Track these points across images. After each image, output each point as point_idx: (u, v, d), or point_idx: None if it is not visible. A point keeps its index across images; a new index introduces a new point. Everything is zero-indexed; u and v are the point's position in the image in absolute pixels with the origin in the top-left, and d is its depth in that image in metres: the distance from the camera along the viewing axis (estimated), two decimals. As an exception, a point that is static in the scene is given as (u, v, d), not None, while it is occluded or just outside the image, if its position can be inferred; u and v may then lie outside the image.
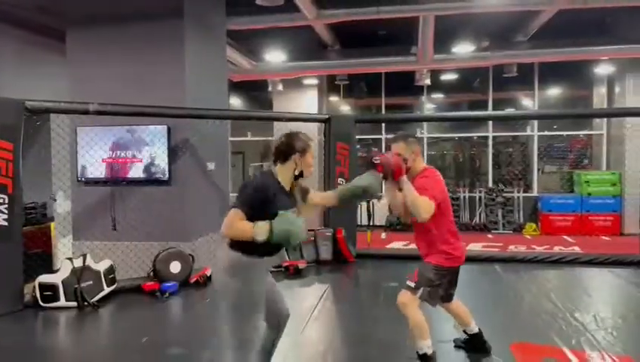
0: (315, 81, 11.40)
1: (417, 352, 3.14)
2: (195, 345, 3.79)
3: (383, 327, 4.17)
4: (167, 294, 5.00)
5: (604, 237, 10.11)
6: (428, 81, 10.78)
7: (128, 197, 5.67)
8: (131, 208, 5.59)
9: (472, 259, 6.78)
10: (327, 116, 6.20)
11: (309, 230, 6.49)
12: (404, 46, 9.61)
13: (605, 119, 11.12)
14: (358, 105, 12.29)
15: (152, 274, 5.28)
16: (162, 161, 5.65)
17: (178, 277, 5.27)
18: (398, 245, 9.23)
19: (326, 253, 6.07)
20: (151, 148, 5.65)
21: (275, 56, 9.48)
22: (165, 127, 5.64)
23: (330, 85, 11.89)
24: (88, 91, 5.53)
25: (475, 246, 9.31)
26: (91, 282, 4.76)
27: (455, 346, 3.63)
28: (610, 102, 10.97)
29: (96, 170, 5.68)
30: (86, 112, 4.90)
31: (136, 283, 5.22)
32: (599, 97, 11.38)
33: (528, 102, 11.73)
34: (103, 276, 4.87)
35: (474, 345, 3.52)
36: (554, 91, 11.67)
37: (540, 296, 5.15)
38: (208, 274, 5.51)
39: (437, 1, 7.53)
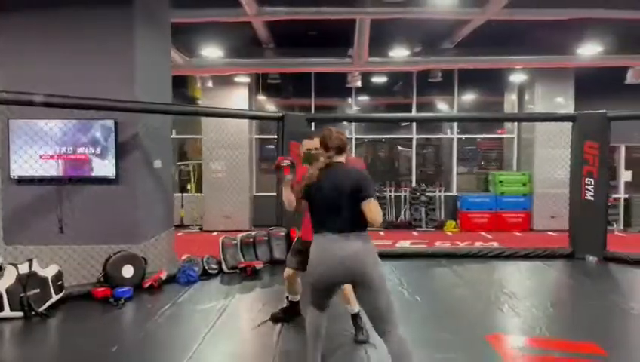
0: (246, 79, 11.24)
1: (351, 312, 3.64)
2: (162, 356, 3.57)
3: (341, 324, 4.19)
4: (122, 300, 4.68)
5: (516, 233, 10.94)
6: (359, 83, 11.04)
7: (72, 197, 5.22)
8: (76, 209, 5.16)
9: (421, 255, 7.14)
10: (280, 114, 6.13)
11: (262, 230, 6.42)
12: (338, 48, 9.79)
13: (516, 123, 12.06)
14: (288, 104, 12.28)
15: (102, 279, 4.92)
16: (109, 158, 5.28)
17: (131, 282, 4.95)
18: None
19: (280, 252, 6.00)
20: (97, 145, 5.26)
21: (209, 52, 9.23)
22: (113, 121, 5.27)
23: (260, 84, 11.77)
24: (23, 81, 5.02)
25: (404, 243, 9.73)
26: (38, 290, 4.33)
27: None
28: (521, 108, 11.90)
29: (32, 167, 5.17)
30: (30, 103, 4.44)
31: (86, 290, 4.83)
32: (510, 103, 12.32)
33: (449, 107, 12.40)
34: (50, 283, 4.45)
35: (354, 323, 3.75)
36: (471, 96, 12.43)
37: (492, 287, 5.42)
38: (163, 278, 5.23)
39: (375, 5, 7.74)
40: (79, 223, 5.21)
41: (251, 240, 6.00)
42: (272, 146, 12.45)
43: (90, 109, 4.93)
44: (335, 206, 2.72)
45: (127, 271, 4.96)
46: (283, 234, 6.14)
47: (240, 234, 6.07)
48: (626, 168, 11.81)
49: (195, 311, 4.42)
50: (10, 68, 5.20)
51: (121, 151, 5.34)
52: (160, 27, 6.03)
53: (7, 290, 4.17)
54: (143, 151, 5.52)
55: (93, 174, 5.27)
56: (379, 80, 11.82)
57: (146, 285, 5.07)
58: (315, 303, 2.92)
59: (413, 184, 12.08)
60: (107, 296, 4.72)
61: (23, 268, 4.29)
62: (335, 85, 11.84)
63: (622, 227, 11.42)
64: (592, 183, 6.00)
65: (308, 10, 7.91)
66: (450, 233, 11.14)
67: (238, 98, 11.14)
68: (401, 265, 6.33)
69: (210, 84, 10.89)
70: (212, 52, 9.19)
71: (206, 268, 5.58)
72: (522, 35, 9.33)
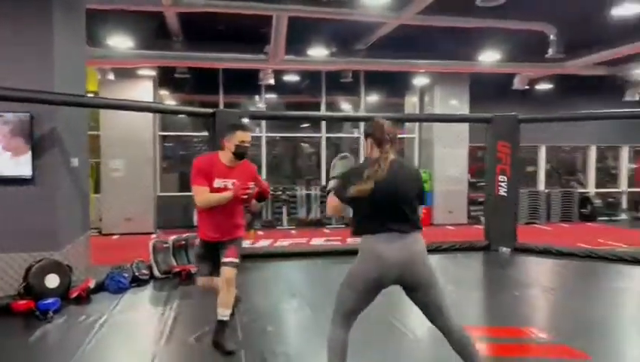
0: (151, 73, 10.65)
1: (221, 319, 3.46)
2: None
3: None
4: (49, 313, 4.21)
5: (419, 227, 11.56)
6: (272, 81, 10.97)
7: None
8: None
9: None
10: (212, 111, 5.89)
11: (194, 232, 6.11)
12: (253, 44, 9.66)
13: (417, 125, 12.75)
14: (193, 101, 11.86)
15: (22, 291, 4.38)
16: (25, 156, 4.72)
17: (56, 293, 4.47)
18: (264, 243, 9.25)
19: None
20: (9, 141, 4.67)
21: (116, 42, 8.61)
22: (28, 115, 4.72)
23: (166, 78, 11.21)
24: None
25: (319, 241, 9.87)
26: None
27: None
28: (421, 110, 12.61)
29: None
30: None
31: (4, 303, 4.27)
32: (411, 105, 12.99)
33: (355, 107, 12.76)
34: (-36, 299, 3.88)
35: (221, 331, 3.51)
36: (376, 97, 12.90)
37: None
38: (92, 286, 4.79)
39: (293, 3, 7.76)
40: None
41: (183, 243, 5.71)
42: (170, 144, 11.96)
43: (4, 100, 4.36)
44: (405, 204, 2.61)
45: (52, 280, 4.48)
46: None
47: (172, 237, 5.75)
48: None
49: (135, 321, 4.11)
50: None
51: (38, 149, 4.80)
52: (77, 13, 5.51)
53: None
54: (61, 148, 5.00)
55: (5, 174, 4.67)
56: (290, 78, 11.84)
57: (74, 295, 4.61)
58: (350, 312, 2.67)
59: (323, 182, 12.28)
60: (31, 310, 4.22)
61: None
62: (244, 82, 11.66)
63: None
64: (505, 180, 6.54)
65: (227, 3, 7.72)
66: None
67: (141, 92, 10.50)
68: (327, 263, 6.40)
69: (111, 76, 10.18)
70: (119, 42, 8.58)
71: (136, 274, 5.21)
72: (426, 41, 9.90)
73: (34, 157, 4.75)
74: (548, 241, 7.72)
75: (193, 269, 5.44)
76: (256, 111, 8.45)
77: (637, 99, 11.78)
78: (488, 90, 11.44)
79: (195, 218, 3.82)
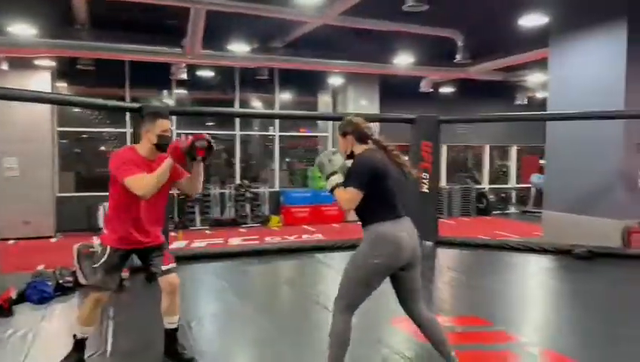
0: (50, 63, 9.82)
1: (172, 327, 3.31)
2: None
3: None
4: (-33, 329, 3.73)
5: (334, 225, 11.83)
6: (185, 76, 10.60)
7: None
8: None
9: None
10: (138, 105, 5.56)
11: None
12: (168, 37, 9.28)
13: (330, 123, 12.98)
14: (96, 94, 11.10)
15: None
16: None
17: (-28, 306, 3.98)
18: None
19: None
20: None
21: (17, 30, 7.83)
22: None
23: (65, 70, 10.38)
24: None
25: (235, 241, 9.74)
26: None
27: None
28: (334, 109, 12.87)
29: None
30: None
31: None
32: (323, 104, 13.21)
33: (269, 105, 12.71)
34: None
35: (173, 341, 3.34)
36: (289, 96, 12.94)
37: None
38: (14, 297, 4.32)
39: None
40: None
41: (110, 245, 5.31)
42: (65, 141, 11.10)
43: None
44: (401, 190, 2.81)
45: (-34, 292, 3.98)
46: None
47: (98, 241, 5.31)
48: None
49: (70, 333, 3.76)
50: None
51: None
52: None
53: None
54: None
55: None
56: (203, 74, 11.52)
57: (-7, 308, 4.13)
58: (359, 300, 2.75)
59: (237, 181, 12.11)
60: (-56, 327, 3.71)
61: None
62: (152, 76, 11.16)
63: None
64: (427, 177, 6.91)
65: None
66: (275, 228, 11.47)
67: (37, 84, 9.61)
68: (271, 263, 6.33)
69: (5, 66, 9.25)
70: (20, 29, 7.81)
71: (60, 281, 4.78)
72: (341, 42, 10.13)
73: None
74: (451, 234, 8.26)
75: (125, 274, 5.12)
76: (179, 107, 8.04)
77: (526, 102, 13.01)
78: (397, 91, 11.98)
79: (102, 220, 3.57)
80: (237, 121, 12.22)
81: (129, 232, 3.13)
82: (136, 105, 5.60)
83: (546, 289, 5.66)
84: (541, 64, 10.00)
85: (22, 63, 9.44)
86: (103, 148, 12.01)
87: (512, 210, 14.04)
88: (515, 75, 11.21)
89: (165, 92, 11.79)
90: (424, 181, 6.84)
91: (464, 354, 3.13)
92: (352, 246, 7.11)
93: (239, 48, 9.32)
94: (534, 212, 13.17)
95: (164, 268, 3.20)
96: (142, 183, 2.95)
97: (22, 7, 7.58)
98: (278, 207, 12.21)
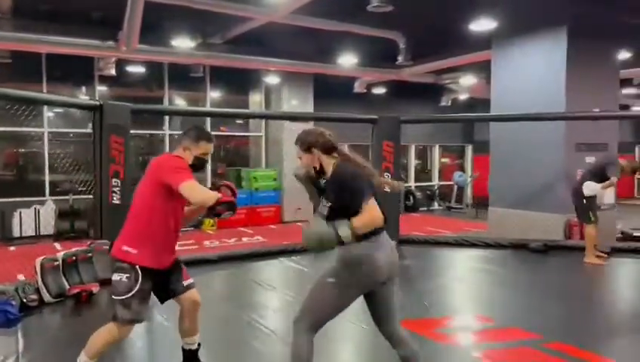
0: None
1: (192, 348, 3.07)
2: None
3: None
4: None
5: (271, 226, 11.66)
6: (113, 72, 9.88)
7: None
8: None
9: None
10: (98, 103, 5.06)
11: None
12: (93, 29, 8.61)
13: (264, 123, 12.78)
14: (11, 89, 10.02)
15: None
16: None
17: None
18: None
19: (105, 270, 4.93)
20: None
21: None
22: None
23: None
24: None
25: (180, 247, 9.27)
26: None
27: None
28: (268, 108, 12.67)
29: None
30: None
31: None
32: (255, 103, 12.97)
33: (198, 102, 12.23)
34: None
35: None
36: (220, 94, 12.54)
37: None
38: None
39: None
40: None
41: (74, 258, 4.78)
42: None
43: None
44: (382, 204, 2.53)
45: None
46: (107, 247, 5.09)
47: (62, 252, 4.78)
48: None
49: None
50: None
51: None
52: None
53: None
54: None
55: None
56: (131, 69, 10.80)
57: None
58: (326, 320, 2.52)
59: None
60: None
61: None
62: (72, 71, 10.31)
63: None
64: (389, 177, 6.99)
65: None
66: (210, 231, 11.06)
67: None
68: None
69: None
70: None
71: (24, 299, 4.23)
72: (278, 39, 10.01)
73: None
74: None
75: (95, 289, 4.66)
76: (142, 106, 7.37)
77: (449, 104, 13.70)
78: (330, 92, 12.05)
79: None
80: (166, 119, 11.62)
81: (162, 248, 2.81)
82: (95, 102, 5.11)
83: (523, 282, 5.90)
84: (474, 67, 10.60)
85: None
86: (16, 149, 10.87)
87: (436, 206, 14.71)
88: (447, 77, 11.76)
89: (84, 88, 10.93)
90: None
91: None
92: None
93: (180, 43, 8.88)
94: (457, 208, 13.96)
95: (186, 282, 2.95)
96: (200, 191, 2.68)
97: None
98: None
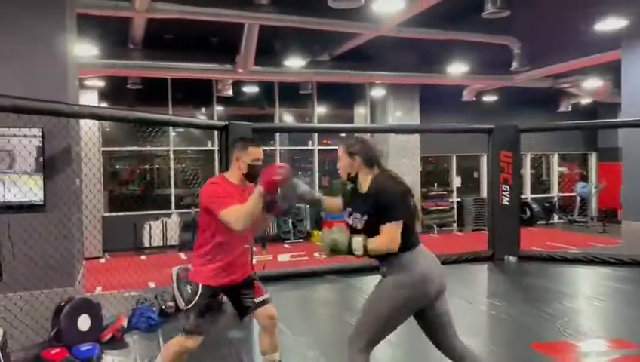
0: (99, 83, 9.75)
1: None
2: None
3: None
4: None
5: (379, 238, 11.58)
6: (230, 92, 10.51)
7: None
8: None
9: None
10: (224, 123, 5.43)
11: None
12: (213, 53, 9.23)
13: (369, 136, 12.80)
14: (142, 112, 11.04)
15: (53, 336, 3.66)
16: (36, 179, 3.99)
17: (90, 336, 3.80)
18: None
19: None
20: (17, 162, 3.93)
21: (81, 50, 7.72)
22: (39, 130, 4.01)
23: (110, 90, 10.29)
24: None
25: (285, 257, 9.57)
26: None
27: None
28: (373, 121, 12.71)
29: None
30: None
31: (33, 354, 3.53)
32: (360, 116, 13.05)
33: (307, 118, 12.58)
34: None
35: None
36: (326, 109, 12.80)
37: (464, 294, 5.51)
38: (125, 325, 4.14)
39: (270, 11, 7.50)
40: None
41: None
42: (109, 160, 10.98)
43: (15, 112, 3.63)
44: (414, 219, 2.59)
45: (84, 322, 3.79)
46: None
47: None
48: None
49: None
50: None
51: (49, 169, 4.10)
52: (73, 19, 4.84)
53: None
54: (72, 168, 4.33)
55: (15, 200, 3.92)
56: (245, 89, 11.42)
57: (107, 337, 3.94)
58: (381, 339, 2.52)
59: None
60: (67, 360, 3.53)
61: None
62: (195, 94, 11.13)
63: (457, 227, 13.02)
64: (508, 189, 6.72)
65: (201, 10, 7.27)
66: (319, 243, 11.24)
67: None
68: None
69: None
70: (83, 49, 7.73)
71: (162, 306, 4.60)
72: (386, 53, 10.02)
73: (45, 180, 4.04)
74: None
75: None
76: (262, 124, 7.76)
77: (569, 109, 12.81)
78: (436, 102, 11.81)
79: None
80: (277, 136, 12.08)
81: (226, 266, 2.84)
82: (221, 123, 5.47)
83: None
84: (598, 69, 9.85)
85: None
86: (146, 166, 11.91)
87: (556, 219, 13.77)
88: (566, 81, 11.02)
89: (204, 109, 11.72)
90: (505, 193, 6.64)
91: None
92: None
93: (291, 63, 9.22)
94: (581, 221, 12.93)
95: (258, 299, 2.92)
96: (237, 215, 2.64)
97: (84, 28, 7.50)
98: (320, 222, 12.01)
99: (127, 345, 3.99)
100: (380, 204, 2.43)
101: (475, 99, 12.27)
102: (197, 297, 2.79)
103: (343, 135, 13.06)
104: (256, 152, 2.85)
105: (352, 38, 8.88)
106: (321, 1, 5.83)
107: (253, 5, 7.31)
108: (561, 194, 14.16)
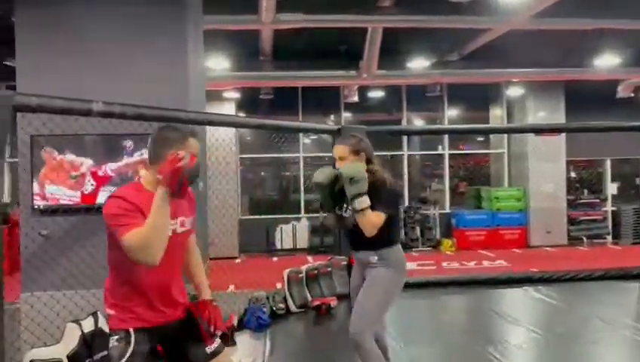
0: (236, 95, 10.42)
1: None
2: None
3: None
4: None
5: (515, 250, 10.75)
6: (356, 98, 10.56)
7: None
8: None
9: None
10: (337, 127, 5.45)
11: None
12: (337, 60, 9.32)
13: (506, 138, 12.00)
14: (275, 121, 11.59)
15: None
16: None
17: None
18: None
19: (342, 285, 5.19)
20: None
21: (213, 64, 8.36)
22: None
23: (244, 100, 10.95)
24: (51, 87, 3.99)
25: (411, 265, 9.26)
26: (106, 352, 3.32)
27: None
28: (510, 122, 11.86)
29: (63, 193, 4.14)
30: (88, 113, 3.45)
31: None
32: (496, 118, 12.26)
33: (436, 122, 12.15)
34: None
35: None
36: (458, 111, 12.25)
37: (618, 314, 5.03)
38: (235, 324, 4.32)
39: (393, 14, 7.32)
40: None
41: (316, 272, 5.18)
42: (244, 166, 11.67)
43: (158, 121, 3.91)
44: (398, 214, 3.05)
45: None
46: (345, 263, 5.34)
47: (305, 266, 5.23)
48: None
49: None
50: (45, 76, 4.13)
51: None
52: (198, 28, 5.20)
53: (69, 357, 3.14)
54: (203, 172, 4.62)
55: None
56: (371, 95, 11.39)
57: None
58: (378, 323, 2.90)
59: (406, 203, 11.65)
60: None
61: (87, 325, 3.28)
62: (324, 101, 11.35)
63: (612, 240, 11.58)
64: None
65: (325, 17, 7.36)
66: (448, 252, 10.80)
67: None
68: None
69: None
70: (215, 63, 8.35)
71: (274, 307, 4.72)
72: (521, 48, 9.24)
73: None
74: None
75: (333, 302, 4.92)
76: (376, 127, 7.65)
77: None
78: (585, 99, 10.62)
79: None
80: (404, 139, 11.82)
81: (150, 303, 2.07)
82: (335, 127, 5.48)
83: None
84: None
85: (212, 96, 10.11)
86: (281, 173, 12.50)
87: None
88: None
89: (332, 116, 11.91)
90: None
91: None
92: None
93: (415, 64, 8.98)
94: None
95: (210, 350, 2.14)
96: (133, 241, 1.87)
97: (217, 42, 8.07)
98: (450, 230, 11.48)
99: (234, 344, 4.12)
100: (378, 196, 2.70)
101: (632, 95, 10.82)
102: (128, 351, 1.99)
103: (480, 138, 12.47)
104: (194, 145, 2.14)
105: (482, 34, 8.37)
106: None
107: (376, 8, 7.24)
108: None
